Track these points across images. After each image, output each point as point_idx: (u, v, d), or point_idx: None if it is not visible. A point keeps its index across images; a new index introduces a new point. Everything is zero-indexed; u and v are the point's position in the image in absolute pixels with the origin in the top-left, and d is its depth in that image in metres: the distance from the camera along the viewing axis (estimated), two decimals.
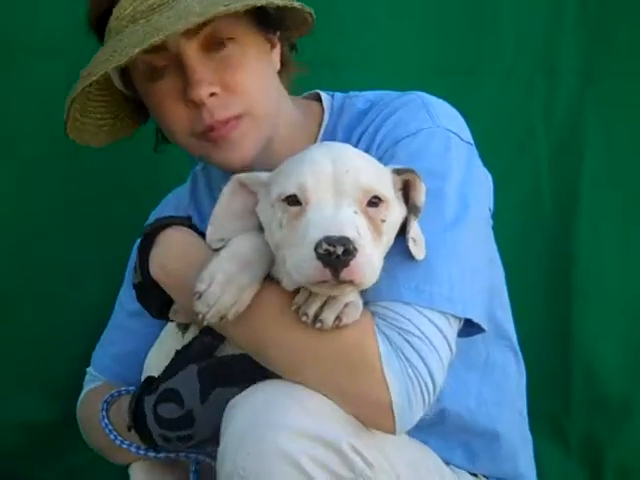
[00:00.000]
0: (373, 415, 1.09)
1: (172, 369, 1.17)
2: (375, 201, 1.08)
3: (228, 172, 1.26)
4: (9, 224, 1.91)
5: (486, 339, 1.36)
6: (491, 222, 1.43)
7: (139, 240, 1.24)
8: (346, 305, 1.06)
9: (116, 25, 1.22)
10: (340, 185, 1.06)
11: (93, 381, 1.55)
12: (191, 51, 1.22)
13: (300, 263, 1.02)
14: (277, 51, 1.35)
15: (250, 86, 1.26)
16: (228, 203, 1.19)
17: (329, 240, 0.99)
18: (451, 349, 1.14)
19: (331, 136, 1.34)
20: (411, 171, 1.15)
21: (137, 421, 1.18)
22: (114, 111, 1.37)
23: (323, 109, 1.38)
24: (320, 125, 1.37)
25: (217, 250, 1.15)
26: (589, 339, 1.97)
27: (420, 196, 1.15)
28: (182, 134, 1.28)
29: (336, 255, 0.98)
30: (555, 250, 2.00)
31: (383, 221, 1.09)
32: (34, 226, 1.91)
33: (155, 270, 1.20)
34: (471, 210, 1.20)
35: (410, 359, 1.09)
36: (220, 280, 1.07)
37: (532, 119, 1.99)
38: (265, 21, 1.28)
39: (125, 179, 1.93)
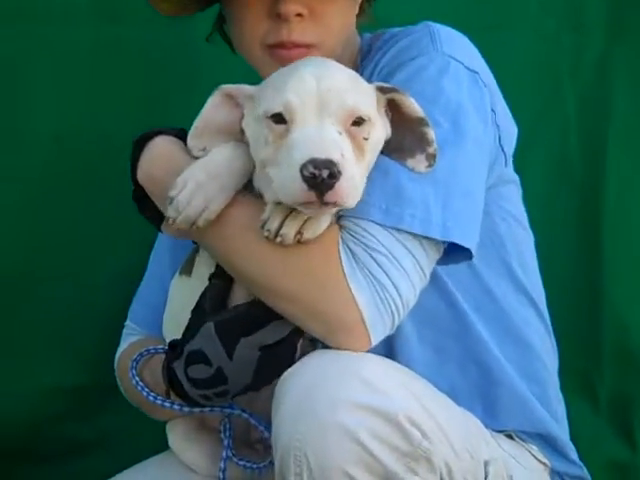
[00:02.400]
0: (346, 327, 1.10)
1: (192, 329, 1.17)
2: (358, 121, 1.08)
3: None
4: (42, 193, 1.92)
5: (503, 293, 1.36)
6: (517, 178, 1.41)
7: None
8: (307, 220, 1.07)
9: None
10: (325, 104, 1.06)
11: (131, 334, 1.56)
12: None
13: (286, 184, 1.02)
14: None
15: (334, 21, 1.27)
16: (212, 114, 1.18)
17: (315, 163, 0.99)
18: (424, 273, 1.14)
19: None
20: (394, 90, 1.15)
21: (174, 386, 1.18)
22: None
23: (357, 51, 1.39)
24: (353, 66, 1.36)
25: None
26: (620, 295, 1.96)
27: (414, 108, 1.13)
28: (252, 40, 1.28)
29: (321, 178, 0.99)
30: (584, 206, 1.98)
31: (366, 139, 1.08)
32: (64, 193, 1.92)
33: (141, 177, 1.23)
34: (465, 136, 1.18)
35: (375, 275, 1.09)
36: (190, 187, 1.10)
37: (559, 75, 1.97)
38: None
39: None
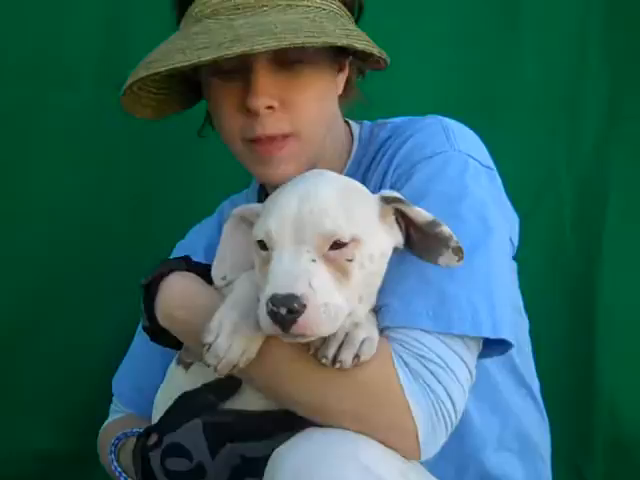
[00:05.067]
0: (399, 443, 1.08)
1: (173, 420, 1.15)
2: (339, 243, 1.06)
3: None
4: (33, 247, 1.91)
5: (505, 383, 1.35)
6: (515, 266, 1.41)
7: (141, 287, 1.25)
8: (362, 342, 1.06)
9: (198, 12, 1.22)
10: (301, 231, 1.05)
11: (116, 411, 1.54)
12: (260, 65, 1.22)
13: (260, 316, 1.04)
14: (344, 75, 1.35)
15: (308, 108, 1.26)
16: (230, 239, 1.20)
17: (274, 300, 1.00)
18: (471, 374, 1.14)
19: (357, 167, 1.34)
20: (397, 200, 1.13)
21: (146, 476, 1.16)
22: (168, 87, 1.35)
23: (352, 138, 1.39)
24: (348, 154, 1.37)
25: (222, 288, 1.17)
26: (612, 385, 1.94)
27: (419, 216, 1.12)
28: (232, 135, 1.29)
29: (281, 315, 1.00)
30: (578, 293, 1.98)
31: (350, 261, 1.07)
32: (54, 257, 1.91)
33: (161, 319, 1.22)
34: (493, 231, 1.18)
35: (432, 386, 1.08)
36: (227, 330, 1.07)
37: (555, 160, 1.98)
38: (339, 48, 1.28)
39: (160, 196, 1.94)
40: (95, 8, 1.88)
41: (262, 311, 1.02)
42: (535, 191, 1.97)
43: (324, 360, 1.05)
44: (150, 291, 1.23)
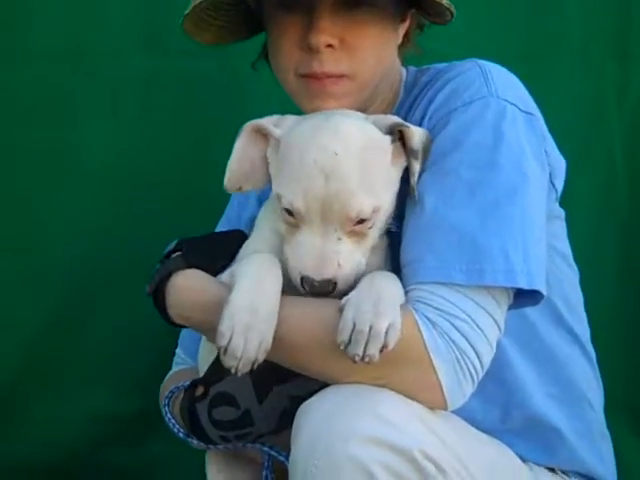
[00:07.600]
0: (424, 397, 1.11)
1: (219, 370, 1.16)
2: (363, 219, 1.13)
3: None
4: (90, 225, 1.95)
5: (547, 331, 1.34)
6: (563, 213, 1.40)
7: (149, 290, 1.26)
8: (387, 332, 1.05)
9: None
10: (329, 211, 1.11)
11: (179, 363, 1.57)
12: (325, 2, 1.22)
13: (292, 276, 1.14)
14: (405, 25, 1.34)
15: (367, 52, 1.26)
16: (243, 153, 1.22)
17: (310, 283, 1.11)
18: (499, 328, 1.14)
19: (402, 111, 1.34)
20: (401, 124, 1.17)
21: (193, 426, 1.19)
22: (228, 14, 1.34)
23: (400, 84, 1.39)
24: (396, 99, 1.37)
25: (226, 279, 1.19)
26: None
27: (412, 139, 1.17)
28: (286, 69, 1.29)
29: (316, 293, 1.12)
30: (631, 240, 1.96)
31: (370, 228, 1.15)
32: (106, 224, 1.95)
33: (175, 319, 1.24)
34: (529, 180, 1.17)
35: (456, 342, 1.10)
36: (239, 330, 1.07)
37: (605, 105, 1.95)
38: None
39: (208, 159, 1.90)
40: None
41: (295, 279, 1.12)
42: (584, 137, 1.95)
43: (357, 358, 1.04)
44: (158, 297, 1.24)
